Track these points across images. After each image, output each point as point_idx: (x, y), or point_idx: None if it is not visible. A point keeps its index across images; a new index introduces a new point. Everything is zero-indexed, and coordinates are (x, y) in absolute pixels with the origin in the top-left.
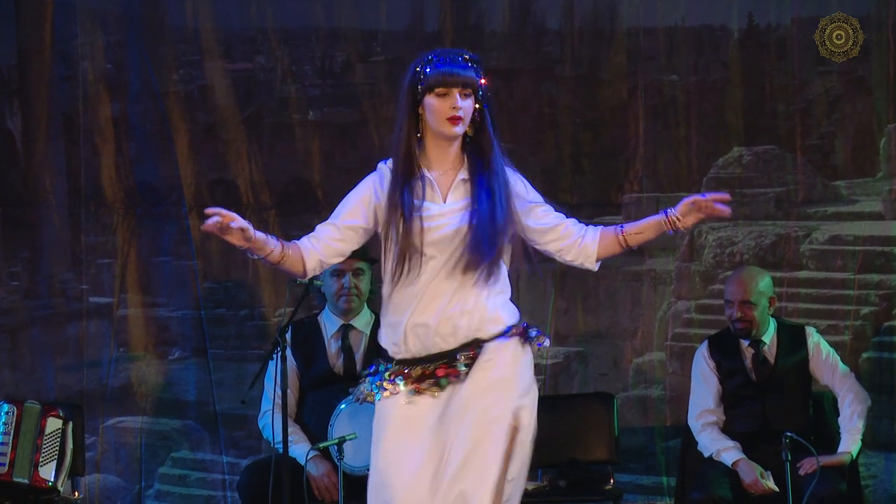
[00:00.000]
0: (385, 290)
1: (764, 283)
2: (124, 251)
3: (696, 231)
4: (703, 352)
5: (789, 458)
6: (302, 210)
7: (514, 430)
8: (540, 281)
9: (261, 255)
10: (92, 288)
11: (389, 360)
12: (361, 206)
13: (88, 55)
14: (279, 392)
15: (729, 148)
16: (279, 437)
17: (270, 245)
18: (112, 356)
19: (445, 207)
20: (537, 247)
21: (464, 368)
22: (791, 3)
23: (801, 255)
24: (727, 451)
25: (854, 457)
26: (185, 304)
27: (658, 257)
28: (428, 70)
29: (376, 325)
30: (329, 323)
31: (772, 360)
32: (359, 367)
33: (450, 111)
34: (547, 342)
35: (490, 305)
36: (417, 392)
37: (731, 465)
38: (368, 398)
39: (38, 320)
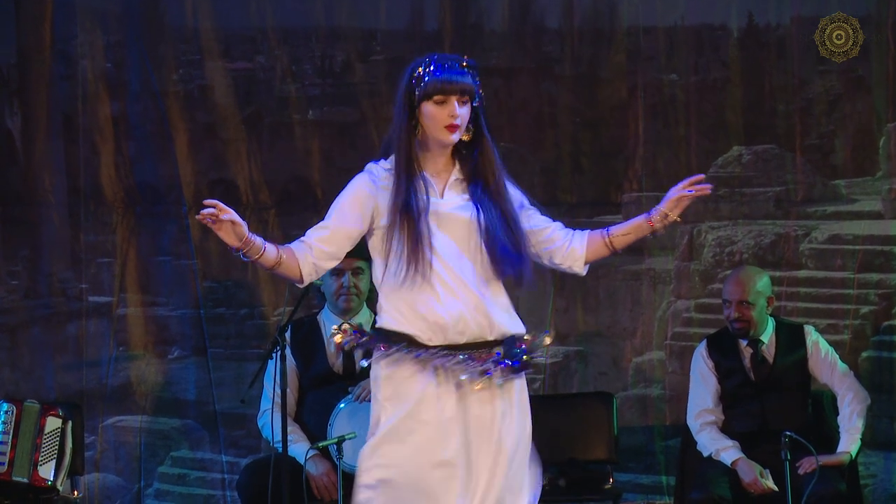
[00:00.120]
0: (390, 286)
1: (762, 282)
2: (124, 250)
3: (696, 230)
4: (701, 351)
5: (788, 457)
6: (301, 209)
7: None
8: (540, 280)
9: (254, 258)
10: (91, 287)
11: (419, 345)
12: (355, 209)
13: (88, 54)
14: (278, 391)
15: (728, 147)
16: (278, 437)
17: (265, 249)
18: (111, 355)
19: (447, 202)
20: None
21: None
22: (791, 3)
23: (801, 254)
24: (726, 451)
25: (853, 456)
26: (184, 303)
27: (657, 256)
28: (426, 77)
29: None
30: (328, 322)
31: (770, 359)
32: (358, 366)
33: (448, 119)
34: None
35: (507, 300)
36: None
37: (731, 464)
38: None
39: (37, 319)
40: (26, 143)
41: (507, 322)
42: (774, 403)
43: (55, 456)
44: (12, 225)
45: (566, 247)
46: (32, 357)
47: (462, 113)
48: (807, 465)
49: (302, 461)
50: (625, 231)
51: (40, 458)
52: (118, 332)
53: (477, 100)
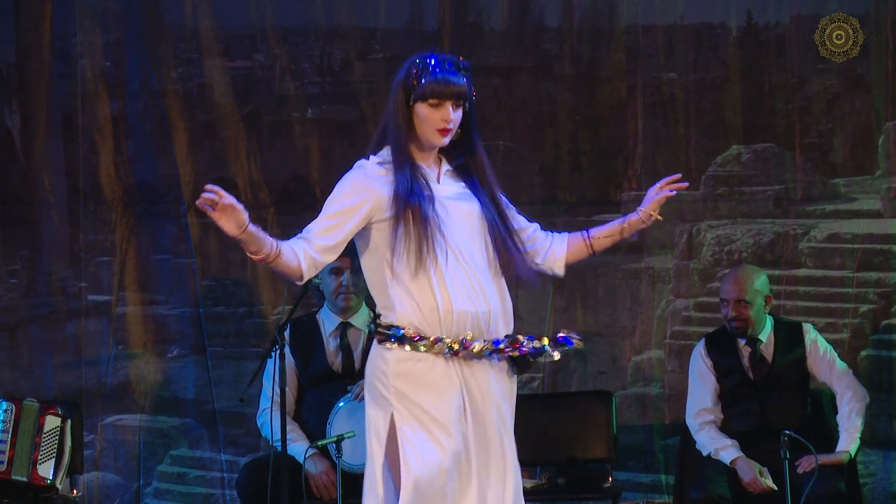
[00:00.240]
0: (400, 279)
1: (759, 281)
2: (123, 249)
3: (695, 229)
4: (700, 350)
5: (788, 456)
6: (301, 208)
7: None
8: (539, 279)
9: (254, 251)
10: (91, 286)
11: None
12: (353, 204)
13: (87, 53)
14: (278, 390)
15: (728, 146)
16: (278, 435)
17: (265, 241)
18: (111, 354)
19: (445, 188)
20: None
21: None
22: (790, 2)
23: (800, 253)
24: (725, 450)
25: (853, 455)
26: (183, 301)
27: (657, 255)
28: (423, 78)
29: None
30: (327, 321)
31: (769, 358)
32: (357, 364)
33: (441, 123)
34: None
35: (510, 299)
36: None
37: (730, 463)
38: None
39: (37, 318)
40: (26, 142)
41: (510, 319)
42: (773, 402)
43: (54, 455)
44: (12, 224)
45: (547, 248)
46: (32, 356)
47: (455, 118)
48: (806, 463)
49: (301, 460)
50: (606, 234)
51: (39, 457)
52: (117, 330)
53: (470, 102)
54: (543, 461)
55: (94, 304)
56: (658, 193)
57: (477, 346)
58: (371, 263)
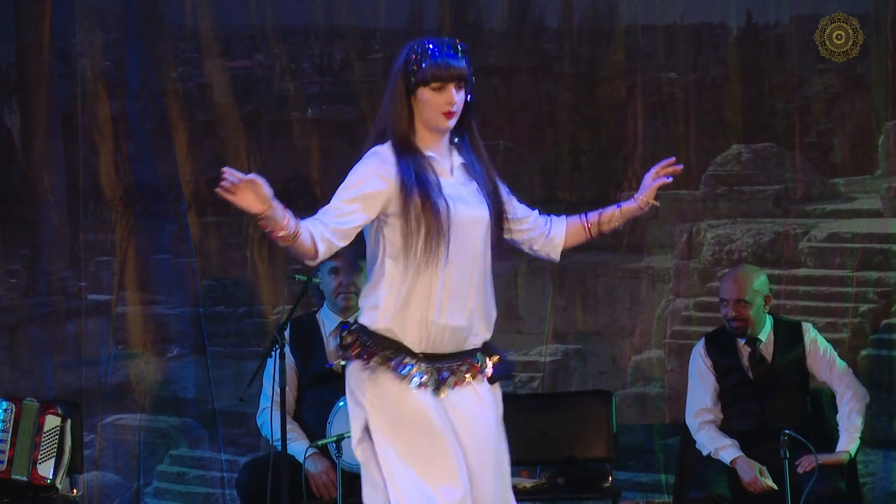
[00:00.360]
0: (399, 276)
1: (759, 281)
2: (123, 249)
3: (695, 229)
4: (699, 350)
5: (788, 455)
6: (301, 208)
7: None
8: (539, 279)
9: (274, 228)
10: (90, 285)
11: (407, 351)
12: (370, 190)
13: (87, 53)
14: (277, 389)
15: (728, 146)
16: (278, 435)
17: (287, 219)
18: (110, 354)
19: (458, 186)
20: (507, 235)
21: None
22: (789, 1)
23: (800, 252)
24: (725, 450)
25: (852, 455)
26: (183, 301)
27: (656, 255)
28: (423, 63)
29: None
30: (327, 320)
31: (769, 357)
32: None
33: (445, 106)
34: None
35: (494, 307)
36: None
37: (730, 462)
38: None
39: (36, 318)
40: (25, 141)
41: (491, 328)
42: (773, 402)
43: (54, 454)
44: (11, 224)
45: (546, 234)
46: (31, 355)
47: (458, 99)
48: (806, 463)
49: (301, 459)
50: (605, 219)
51: (39, 457)
52: (117, 330)
53: (470, 85)
54: (543, 461)
55: (94, 303)
56: (655, 180)
57: (448, 384)
58: (373, 256)
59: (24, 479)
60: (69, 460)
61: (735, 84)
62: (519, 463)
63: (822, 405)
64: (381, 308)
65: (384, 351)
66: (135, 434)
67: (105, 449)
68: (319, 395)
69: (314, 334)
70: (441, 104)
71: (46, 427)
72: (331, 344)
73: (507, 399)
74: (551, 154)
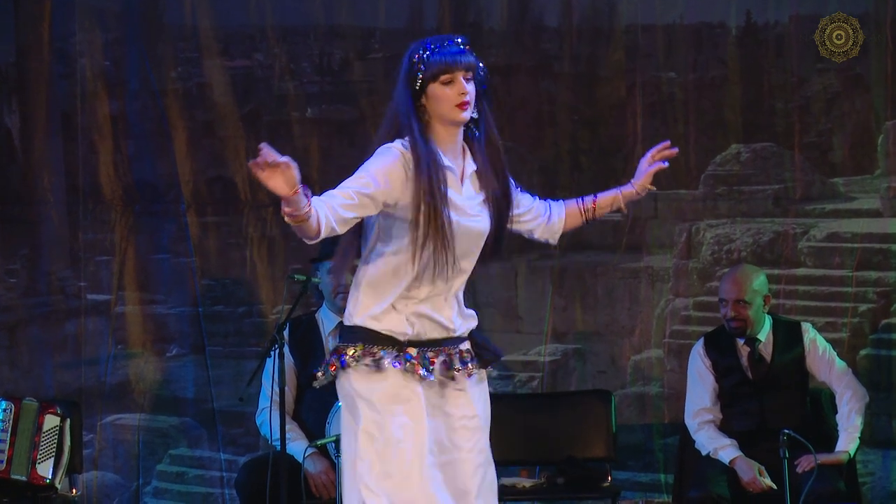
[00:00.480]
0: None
1: (758, 281)
2: (122, 248)
3: (694, 228)
4: (699, 350)
5: (787, 455)
6: None
7: None
8: (539, 279)
9: (292, 210)
10: (90, 285)
11: (394, 342)
12: (384, 185)
13: (87, 52)
14: (277, 389)
15: (727, 145)
16: (277, 435)
17: (306, 203)
18: (110, 353)
19: (466, 199)
20: (508, 225)
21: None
22: (789, 1)
23: (799, 252)
24: (724, 449)
25: (852, 455)
26: (183, 301)
27: (656, 254)
28: (429, 60)
29: None
30: (327, 320)
31: (768, 357)
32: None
33: (458, 97)
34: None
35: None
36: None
37: (729, 462)
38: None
39: (36, 318)
40: (25, 141)
41: (473, 317)
42: (772, 402)
43: (53, 454)
44: (11, 223)
45: (546, 221)
46: (31, 355)
47: (470, 89)
48: (805, 463)
49: (300, 459)
50: (602, 204)
51: (39, 456)
52: (117, 330)
53: (479, 76)
54: (542, 460)
55: (94, 303)
56: (650, 166)
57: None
58: (373, 252)
59: (24, 478)
60: (68, 460)
61: (734, 84)
62: (518, 463)
63: (822, 405)
64: (362, 304)
65: (368, 346)
66: (134, 434)
67: (104, 448)
68: (318, 394)
69: (313, 334)
70: (453, 96)
71: (46, 427)
72: (330, 344)
73: (507, 399)
74: (551, 153)
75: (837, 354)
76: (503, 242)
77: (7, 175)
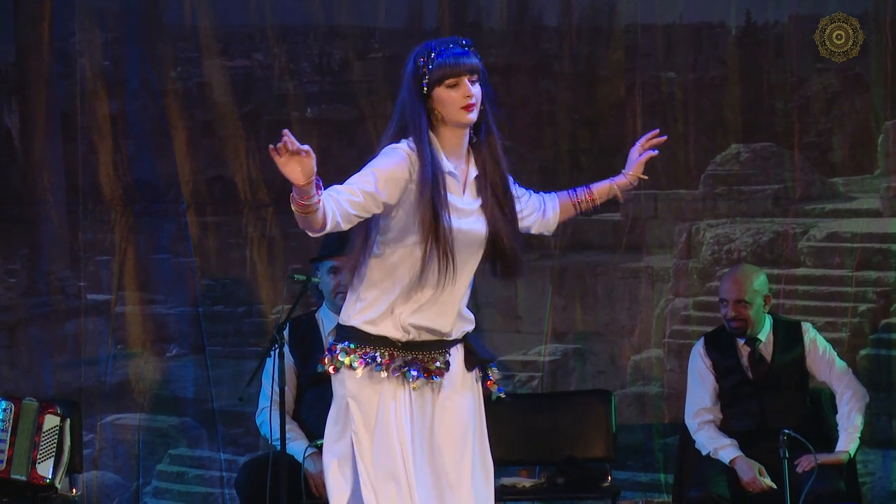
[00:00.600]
0: (399, 277)
1: (759, 281)
2: (122, 248)
3: (694, 228)
4: (699, 349)
5: (787, 455)
6: None
7: None
8: (538, 279)
9: (303, 201)
10: (90, 285)
11: (391, 344)
12: (388, 188)
13: (86, 52)
14: (277, 389)
15: (727, 145)
16: (277, 434)
17: (316, 195)
18: (110, 353)
19: (466, 205)
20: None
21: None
22: (789, 1)
23: (799, 252)
24: (724, 449)
25: (852, 455)
26: (182, 300)
27: (656, 254)
28: (433, 63)
29: None
30: (327, 320)
31: (768, 357)
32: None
33: (463, 100)
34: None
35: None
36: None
37: (729, 462)
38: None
39: (36, 317)
40: (25, 141)
41: (472, 320)
42: (773, 402)
43: (53, 454)
44: (11, 223)
45: (542, 215)
46: (31, 355)
47: (475, 91)
48: (805, 463)
49: (300, 459)
50: (596, 195)
51: (38, 456)
52: (116, 329)
53: (483, 78)
54: (542, 460)
55: (94, 303)
56: (641, 155)
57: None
58: (374, 253)
59: (24, 478)
60: (68, 460)
61: (734, 83)
62: (518, 462)
63: (822, 405)
64: (359, 305)
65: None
66: (134, 433)
67: (104, 448)
68: (319, 394)
69: (313, 334)
70: (459, 99)
71: (45, 426)
72: (329, 343)
73: (507, 399)
74: (550, 153)
75: (837, 354)
76: (519, 251)
77: (7, 175)
